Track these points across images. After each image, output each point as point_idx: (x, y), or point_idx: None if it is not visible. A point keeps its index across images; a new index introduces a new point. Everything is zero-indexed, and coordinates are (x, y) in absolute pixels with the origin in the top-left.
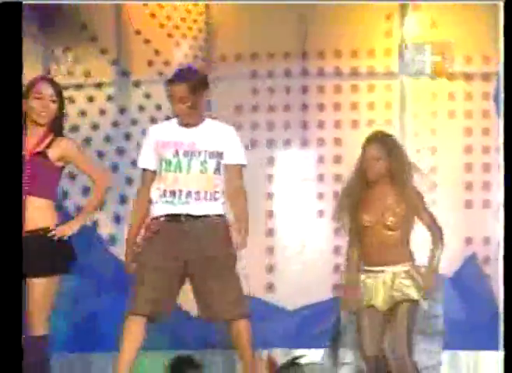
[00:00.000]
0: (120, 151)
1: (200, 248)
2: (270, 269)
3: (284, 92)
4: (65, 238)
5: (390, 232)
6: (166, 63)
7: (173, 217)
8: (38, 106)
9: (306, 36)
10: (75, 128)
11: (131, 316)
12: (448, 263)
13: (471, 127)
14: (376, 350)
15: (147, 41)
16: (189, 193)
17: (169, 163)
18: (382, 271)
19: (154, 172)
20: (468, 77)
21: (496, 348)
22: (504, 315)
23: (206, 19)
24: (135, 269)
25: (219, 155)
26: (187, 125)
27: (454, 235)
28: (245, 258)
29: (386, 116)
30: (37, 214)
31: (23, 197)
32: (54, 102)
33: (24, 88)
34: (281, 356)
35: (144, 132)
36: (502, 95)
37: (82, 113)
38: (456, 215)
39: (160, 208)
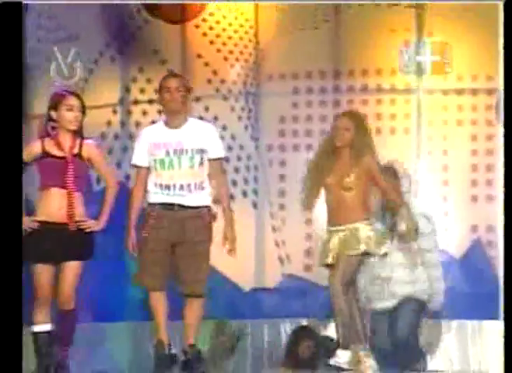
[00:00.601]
0: None
1: (183, 232)
2: (308, 252)
3: (320, 105)
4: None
5: (346, 193)
6: (222, 81)
7: (168, 206)
8: (70, 117)
9: (338, 58)
10: None
11: (151, 293)
12: (457, 247)
13: (476, 133)
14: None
15: (206, 63)
16: (181, 186)
17: (162, 162)
18: (340, 230)
19: (146, 168)
20: (474, 92)
21: (497, 318)
22: (504, 289)
23: (255, 45)
24: (139, 249)
25: (203, 151)
26: (172, 126)
27: (462, 223)
28: (287, 242)
29: (405, 125)
30: (79, 207)
31: (71, 194)
32: (81, 112)
33: (52, 101)
34: (321, 325)
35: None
36: (502, 98)
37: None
38: (464, 207)
39: (157, 197)
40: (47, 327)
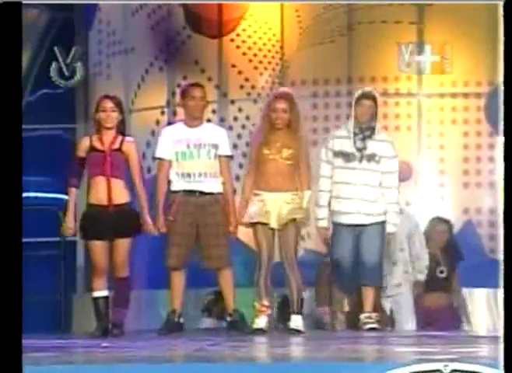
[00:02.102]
0: None
1: (205, 215)
2: None
3: (335, 107)
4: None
5: (285, 161)
6: (253, 87)
7: (190, 193)
8: (103, 116)
9: (351, 67)
10: None
11: (171, 271)
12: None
13: (468, 130)
14: (269, 254)
15: (239, 72)
16: (200, 174)
17: (183, 154)
18: (276, 197)
19: (168, 161)
20: (465, 95)
21: (484, 286)
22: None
23: (281, 56)
24: (166, 231)
25: (217, 146)
26: (192, 126)
27: (455, 206)
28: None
29: (407, 124)
30: (119, 191)
31: (109, 180)
32: (113, 111)
33: (95, 105)
34: None
35: (238, 136)
36: (502, 97)
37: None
38: (457, 193)
39: (179, 185)
40: (105, 293)
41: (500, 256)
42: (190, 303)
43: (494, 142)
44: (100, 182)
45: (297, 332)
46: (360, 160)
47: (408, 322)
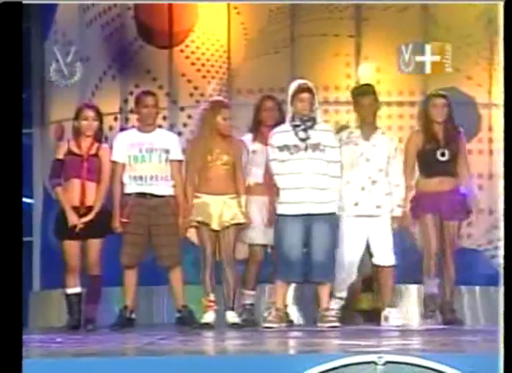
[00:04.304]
0: None
1: (157, 217)
2: None
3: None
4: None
5: (224, 167)
6: (202, 95)
7: (142, 195)
8: (84, 125)
9: (293, 76)
10: None
11: (124, 269)
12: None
13: (402, 136)
14: (213, 253)
15: (189, 81)
16: (152, 177)
17: (136, 157)
18: (216, 199)
19: (122, 164)
20: (400, 104)
21: (417, 282)
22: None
23: (228, 66)
24: (121, 231)
25: (168, 151)
26: (145, 131)
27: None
28: None
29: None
30: (93, 194)
31: (84, 183)
32: (95, 120)
33: (75, 112)
34: None
35: (188, 142)
36: (502, 94)
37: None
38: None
39: (133, 188)
40: (77, 290)
41: (500, 256)
42: (141, 299)
43: None
44: (75, 184)
45: (238, 326)
46: (305, 150)
47: (386, 249)
